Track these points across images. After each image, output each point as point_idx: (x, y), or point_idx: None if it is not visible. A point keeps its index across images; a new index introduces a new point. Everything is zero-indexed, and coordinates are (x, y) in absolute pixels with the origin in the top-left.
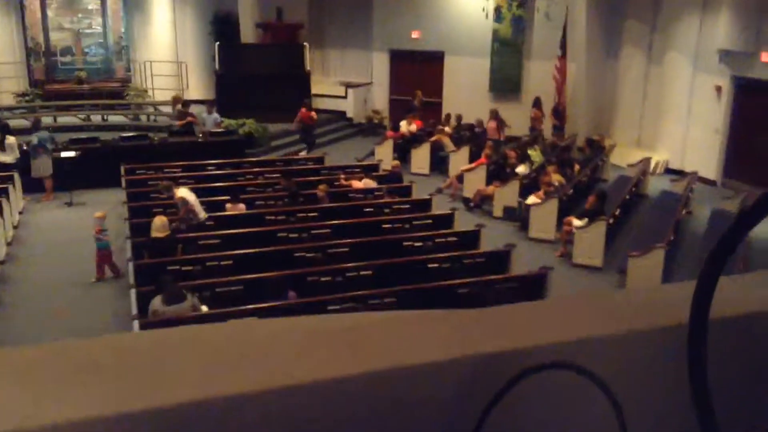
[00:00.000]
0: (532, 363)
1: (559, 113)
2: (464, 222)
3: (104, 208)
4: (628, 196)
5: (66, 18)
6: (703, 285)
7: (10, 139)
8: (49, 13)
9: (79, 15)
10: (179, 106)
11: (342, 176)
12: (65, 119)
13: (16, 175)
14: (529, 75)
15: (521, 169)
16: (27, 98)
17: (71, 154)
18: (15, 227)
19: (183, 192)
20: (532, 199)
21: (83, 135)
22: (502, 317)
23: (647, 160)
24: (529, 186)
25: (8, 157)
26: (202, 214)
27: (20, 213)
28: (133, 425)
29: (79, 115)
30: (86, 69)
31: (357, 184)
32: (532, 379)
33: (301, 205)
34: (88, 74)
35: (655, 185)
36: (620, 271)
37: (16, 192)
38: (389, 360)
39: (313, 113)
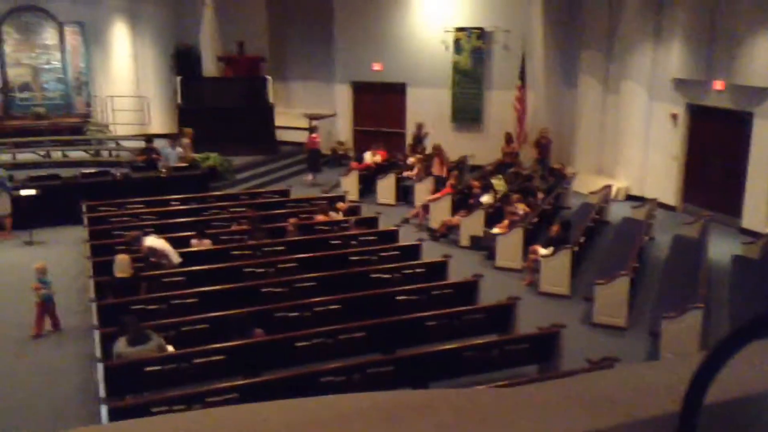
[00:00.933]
0: None
1: (543, 146)
2: (431, 252)
3: (65, 247)
4: (591, 224)
5: (24, 54)
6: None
7: None
8: (7, 48)
9: (38, 51)
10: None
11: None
12: (24, 156)
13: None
14: (490, 105)
15: (486, 199)
16: None
17: (31, 191)
18: None
19: (150, 241)
20: (497, 229)
21: (43, 172)
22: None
23: (608, 187)
24: (494, 215)
25: None
26: (176, 258)
27: None
28: None
29: (39, 152)
30: (45, 105)
31: (321, 217)
32: None
33: (263, 238)
34: (47, 110)
35: (617, 212)
36: (587, 299)
37: None
38: None
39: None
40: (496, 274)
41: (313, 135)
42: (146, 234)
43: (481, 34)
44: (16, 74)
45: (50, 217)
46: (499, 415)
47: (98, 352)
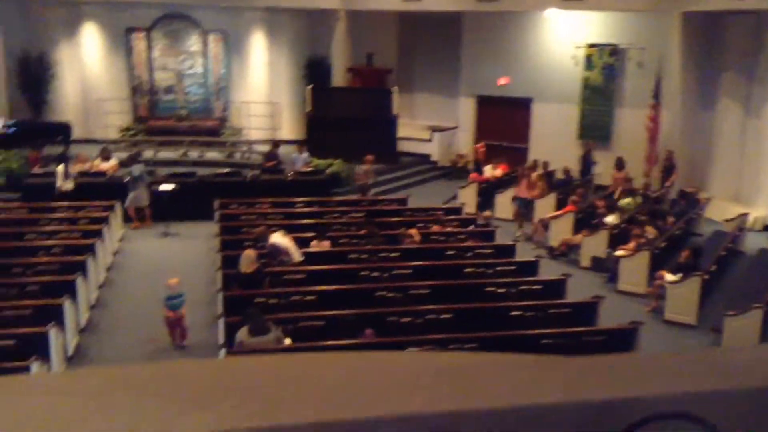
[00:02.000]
0: (650, 413)
1: (667, 169)
2: (549, 270)
3: (197, 240)
4: (723, 252)
5: (170, 59)
6: None
7: (60, 169)
8: (155, 53)
9: (183, 56)
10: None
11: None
12: (165, 154)
13: (118, 205)
14: (620, 123)
15: (610, 219)
16: (131, 132)
17: (170, 187)
18: (114, 254)
19: (275, 238)
20: (621, 251)
21: (181, 170)
22: (617, 366)
23: (745, 215)
24: (618, 236)
25: (69, 185)
26: (297, 256)
27: (120, 240)
28: None
29: (179, 151)
30: (187, 107)
31: (437, 228)
32: (650, 428)
33: (379, 244)
34: (188, 112)
35: (753, 242)
36: (715, 330)
37: (116, 220)
38: (509, 399)
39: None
40: (617, 297)
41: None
42: (272, 231)
43: (614, 50)
44: (162, 78)
45: (186, 212)
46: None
47: (221, 339)
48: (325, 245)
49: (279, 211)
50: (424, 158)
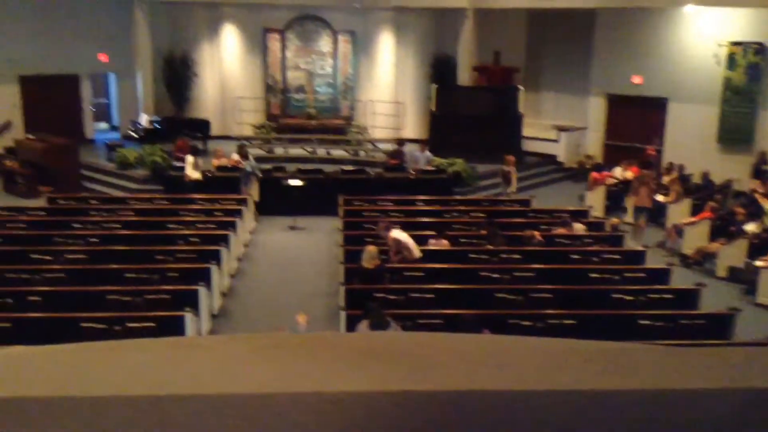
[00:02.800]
0: None
1: None
2: (682, 279)
3: (322, 234)
4: None
5: (302, 59)
6: None
7: (190, 159)
8: (288, 53)
9: (313, 56)
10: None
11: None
12: (295, 151)
13: (250, 199)
14: (764, 126)
15: (751, 227)
16: (263, 130)
17: (298, 182)
18: (246, 246)
19: (396, 233)
20: (762, 261)
21: (309, 166)
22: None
23: None
24: (759, 246)
25: (197, 174)
26: (417, 253)
27: (251, 233)
28: (409, 403)
29: (307, 148)
30: (316, 106)
31: (561, 230)
32: None
33: (501, 245)
34: (317, 111)
35: None
36: None
37: (249, 213)
38: (667, 382)
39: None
40: (756, 311)
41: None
42: (392, 227)
43: (760, 49)
44: (293, 77)
45: (312, 207)
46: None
47: (342, 331)
48: (444, 244)
49: (400, 208)
50: (550, 158)
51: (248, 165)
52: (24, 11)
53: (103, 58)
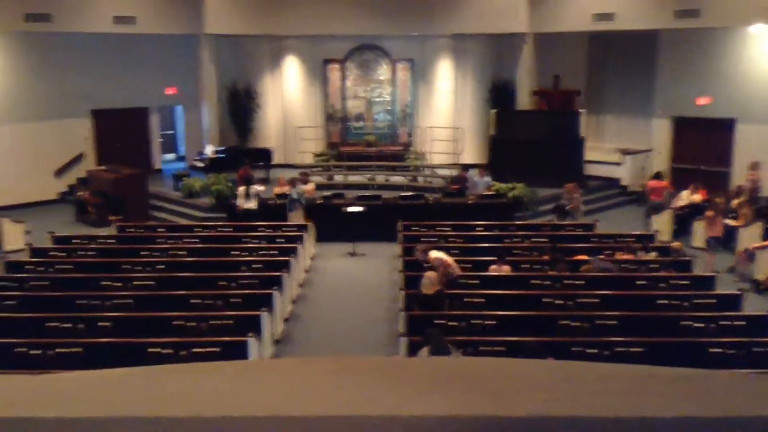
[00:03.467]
0: None
1: None
2: (754, 305)
3: (381, 260)
4: None
5: (360, 87)
6: None
7: (254, 189)
8: (348, 83)
9: (372, 85)
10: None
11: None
12: (354, 178)
13: (311, 224)
14: None
15: None
16: (323, 158)
17: (358, 209)
18: (306, 271)
19: (435, 253)
20: None
21: (368, 193)
22: None
23: None
24: None
25: (252, 204)
26: (458, 270)
27: (312, 259)
28: (485, 428)
29: (366, 175)
30: (374, 133)
31: (625, 256)
32: None
33: (564, 270)
34: (375, 138)
35: None
36: None
37: (310, 240)
38: (748, 408)
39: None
40: None
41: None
42: (431, 248)
43: None
44: (353, 105)
45: (371, 233)
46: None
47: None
48: (505, 269)
49: (459, 233)
50: (614, 182)
51: (294, 192)
52: (96, 49)
53: (170, 91)
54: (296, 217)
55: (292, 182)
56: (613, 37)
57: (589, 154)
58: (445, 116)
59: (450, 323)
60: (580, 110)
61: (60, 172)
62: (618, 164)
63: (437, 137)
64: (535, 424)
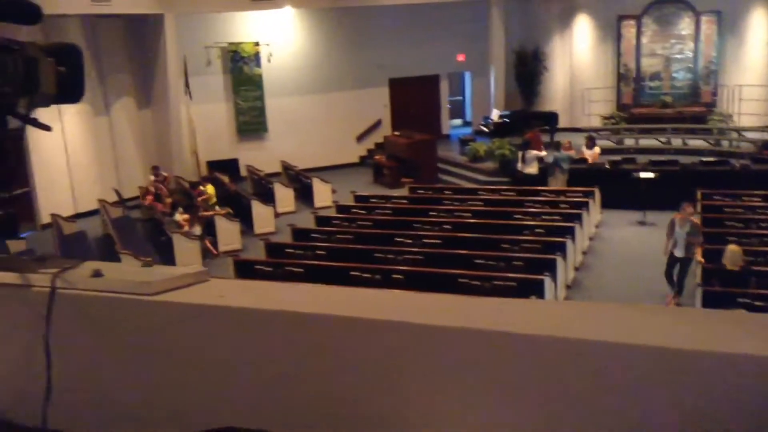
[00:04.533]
0: None
1: None
2: None
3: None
4: None
5: (658, 44)
6: None
7: (531, 153)
8: (643, 40)
9: (672, 41)
10: None
11: None
12: (646, 142)
13: (597, 191)
14: None
15: None
16: (613, 121)
17: (650, 175)
18: (590, 239)
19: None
20: None
21: (662, 158)
22: None
23: None
24: None
25: (531, 169)
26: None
27: (596, 227)
28: None
29: (660, 139)
30: (672, 94)
31: None
32: None
33: None
34: (673, 99)
35: None
36: None
37: (595, 206)
38: None
39: None
40: None
41: None
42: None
43: None
44: (648, 64)
45: (664, 201)
46: None
47: None
48: None
49: None
50: None
51: (552, 156)
52: (391, 21)
53: (460, 57)
54: (555, 183)
55: (554, 146)
56: None
57: None
58: (757, 73)
59: (756, 303)
60: None
61: (361, 137)
62: None
63: (747, 96)
64: None
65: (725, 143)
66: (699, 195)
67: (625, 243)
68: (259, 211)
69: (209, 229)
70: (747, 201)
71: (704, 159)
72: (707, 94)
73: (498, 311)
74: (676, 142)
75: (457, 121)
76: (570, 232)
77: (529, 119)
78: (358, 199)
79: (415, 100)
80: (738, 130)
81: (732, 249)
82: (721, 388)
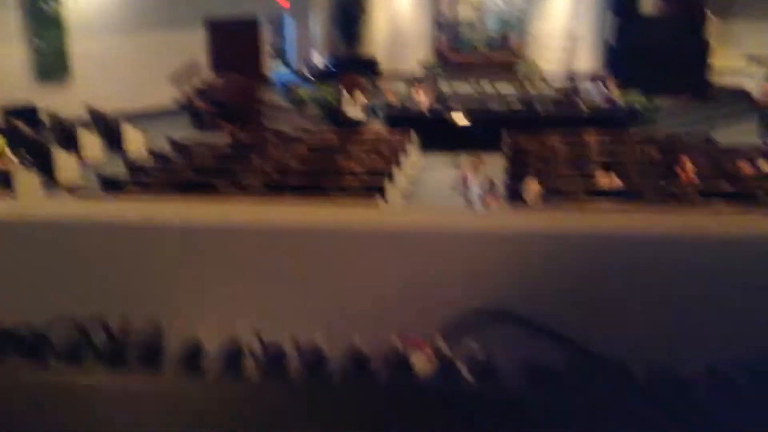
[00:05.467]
0: None
1: None
2: None
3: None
4: None
5: None
6: None
7: (355, 98)
8: None
9: None
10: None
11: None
12: (461, 88)
13: (414, 134)
14: None
15: None
16: (431, 67)
17: (465, 122)
18: (411, 183)
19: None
20: None
21: (475, 104)
22: None
23: None
24: None
25: (355, 114)
26: None
27: (415, 169)
28: None
29: (474, 85)
30: (484, 42)
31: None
32: None
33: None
34: (485, 46)
35: None
36: None
37: (414, 150)
38: None
39: None
40: None
41: None
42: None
43: None
44: (463, 12)
45: (477, 144)
46: None
47: None
48: (616, 182)
49: (568, 141)
50: (744, 94)
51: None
52: None
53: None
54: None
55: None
56: None
57: (717, 63)
58: (561, 23)
59: None
60: (707, 13)
61: (176, 81)
62: (751, 76)
63: (551, 45)
64: None
65: (532, 90)
66: (506, 137)
67: (443, 184)
68: (63, 159)
69: (5, 182)
70: (548, 142)
71: (512, 103)
72: (516, 42)
73: None
74: (488, 88)
75: (284, 69)
76: (389, 175)
77: (351, 64)
78: (175, 145)
79: (234, 43)
80: (542, 78)
81: (531, 185)
82: None
